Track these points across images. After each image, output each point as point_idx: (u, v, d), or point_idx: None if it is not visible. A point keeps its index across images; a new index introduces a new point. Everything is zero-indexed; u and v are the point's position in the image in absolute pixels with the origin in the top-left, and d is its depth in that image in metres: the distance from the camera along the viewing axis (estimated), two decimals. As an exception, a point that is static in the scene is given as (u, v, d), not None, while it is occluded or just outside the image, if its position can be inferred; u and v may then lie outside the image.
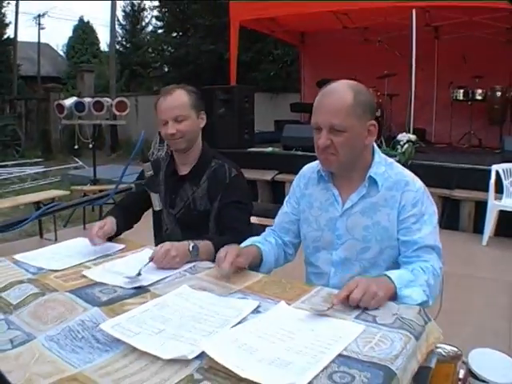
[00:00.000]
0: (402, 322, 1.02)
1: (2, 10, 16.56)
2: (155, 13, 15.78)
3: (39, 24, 19.91)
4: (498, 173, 4.25)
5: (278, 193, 5.64)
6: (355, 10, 6.60)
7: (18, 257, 1.51)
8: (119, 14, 16.39)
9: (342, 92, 1.30)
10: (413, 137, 5.41)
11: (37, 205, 4.31)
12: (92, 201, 1.47)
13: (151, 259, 1.39)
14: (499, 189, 4.25)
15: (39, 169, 9.36)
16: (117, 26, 14.38)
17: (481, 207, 4.44)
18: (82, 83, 13.02)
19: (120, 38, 16.62)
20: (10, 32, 16.68)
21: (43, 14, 20.19)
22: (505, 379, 0.91)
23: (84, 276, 1.34)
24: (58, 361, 0.90)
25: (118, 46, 15.45)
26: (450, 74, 6.88)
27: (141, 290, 1.24)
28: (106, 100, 5.99)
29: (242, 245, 1.46)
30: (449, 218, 4.59)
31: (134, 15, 17.27)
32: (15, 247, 3.93)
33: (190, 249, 1.45)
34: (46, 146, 11.59)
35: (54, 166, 9.65)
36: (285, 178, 5.52)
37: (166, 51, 14.92)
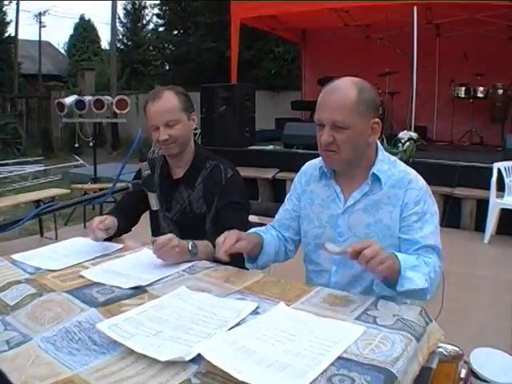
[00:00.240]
0: (402, 323, 1.01)
1: (3, 9, 16.63)
2: (156, 11, 15.87)
3: (40, 22, 19.98)
4: (499, 171, 4.25)
5: (278, 191, 5.62)
6: (356, 8, 6.61)
7: (15, 256, 1.51)
8: (120, 11, 16.38)
9: (345, 89, 1.30)
10: (414, 135, 5.39)
11: (37, 203, 4.30)
12: (89, 200, 1.46)
13: (153, 242, 1.41)
14: (501, 187, 4.24)
15: (40, 167, 9.35)
16: (118, 24, 14.38)
17: (482, 205, 4.43)
18: (83, 81, 12.99)
19: (121, 36, 16.60)
20: (10, 30, 16.79)
21: (44, 12, 20.26)
22: (507, 379, 0.90)
23: (82, 276, 1.33)
24: (55, 363, 0.89)
25: (118, 44, 15.42)
26: (451, 72, 6.86)
27: (138, 291, 1.23)
28: (107, 98, 5.99)
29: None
30: (450, 216, 4.57)
31: (135, 13, 17.24)
32: (15, 246, 3.93)
33: (190, 248, 1.46)
34: (47, 144, 11.57)
35: (55, 164, 9.63)
36: (286, 177, 5.51)
37: (166, 49, 14.94)
